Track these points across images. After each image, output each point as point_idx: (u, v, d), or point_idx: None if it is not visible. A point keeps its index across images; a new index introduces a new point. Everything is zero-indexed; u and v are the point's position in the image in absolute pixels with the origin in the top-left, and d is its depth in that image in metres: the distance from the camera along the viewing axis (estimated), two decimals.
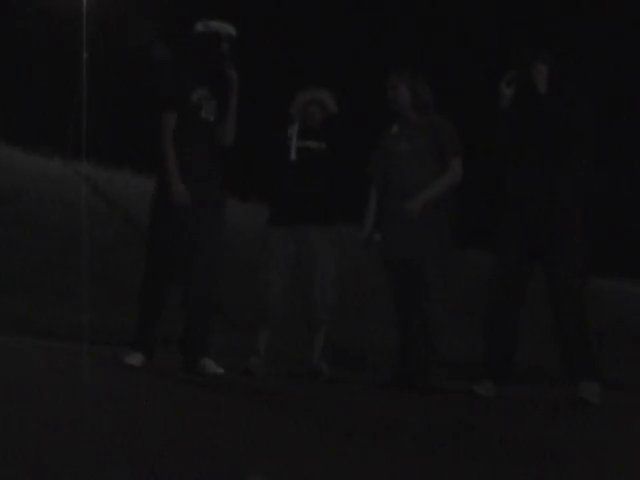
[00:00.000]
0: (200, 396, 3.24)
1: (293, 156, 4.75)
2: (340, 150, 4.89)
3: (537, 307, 4.80)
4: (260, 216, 11.89)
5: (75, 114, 14.46)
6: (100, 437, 1.87)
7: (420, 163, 4.57)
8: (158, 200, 4.11)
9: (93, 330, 5.69)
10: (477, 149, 5.03)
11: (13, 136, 11.96)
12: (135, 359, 4.10)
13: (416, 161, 4.57)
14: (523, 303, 4.37)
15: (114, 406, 2.55)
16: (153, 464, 1.62)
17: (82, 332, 5.54)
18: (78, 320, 5.80)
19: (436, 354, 4.56)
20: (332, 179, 4.84)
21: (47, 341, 5.22)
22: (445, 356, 4.95)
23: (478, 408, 3.87)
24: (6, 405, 2.27)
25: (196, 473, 1.59)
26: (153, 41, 4.73)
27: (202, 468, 1.64)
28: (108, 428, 2.04)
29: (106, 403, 2.58)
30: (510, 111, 4.45)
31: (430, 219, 4.50)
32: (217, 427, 2.33)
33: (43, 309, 6.21)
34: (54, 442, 1.73)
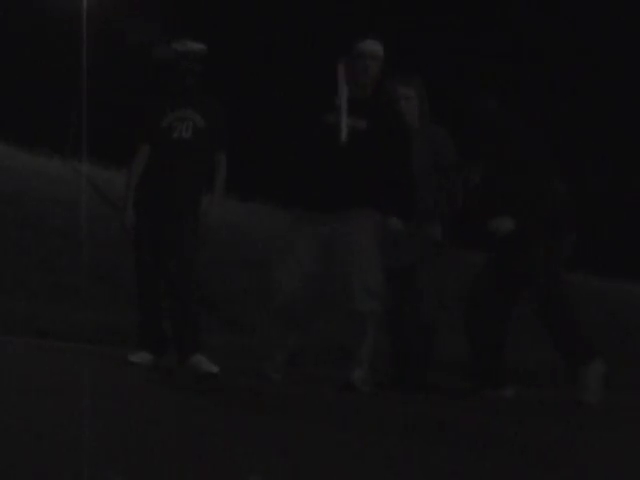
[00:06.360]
0: (199, 396, 3.23)
1: (344, 136, 3.99)
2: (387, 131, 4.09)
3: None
4: (259, 215, 11.92)
5: (75, 114, 14.47)
6: (100, 437, 1.87)
7: (419, 174, 4.48)
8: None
9: (93, 330, 5.68)
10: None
11: (13, 136, 11.97)
12: (139, 357, 4.17)
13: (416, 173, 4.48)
14: (511, 305, 4.41)
15: (114, 406, 2.55)
16: (153, 464, 1.62)
17: (83, 332, 5.53)
18: (79, 320, 5.80)
19: (433, 354, 4.57)
20: (376, 162, 4.08)
21: (47, 341, 5.21)
22: (443, 356, 4.96)
23: (477, 408, 3.87)
24: (6, 405, 2.27)
25: (196, 473, 1.59)
26: (155, 40, 4.70)
27: (202, 468, 1.64)
28: (108, 428, 2.04)
29: (106, 403, 2.57)
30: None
31: (417, 227, 4.47)
32: (216, 427, 2.33)
33: (43, 309, 6.19)
34: (54, 442, 1.73)
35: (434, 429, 2.86)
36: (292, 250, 4.08)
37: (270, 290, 4.17)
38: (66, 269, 7.57)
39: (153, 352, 4.25)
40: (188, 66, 4.27)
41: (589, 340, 4.24)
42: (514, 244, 4.25)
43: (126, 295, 6.35)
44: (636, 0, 19.40)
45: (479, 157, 4.45)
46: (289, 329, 4.15)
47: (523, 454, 2.35)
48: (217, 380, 3.89)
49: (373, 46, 4.09)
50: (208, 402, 3.08)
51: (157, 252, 4.25)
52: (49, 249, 8.06)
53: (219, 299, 7.58)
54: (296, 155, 4.35)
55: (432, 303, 4.55)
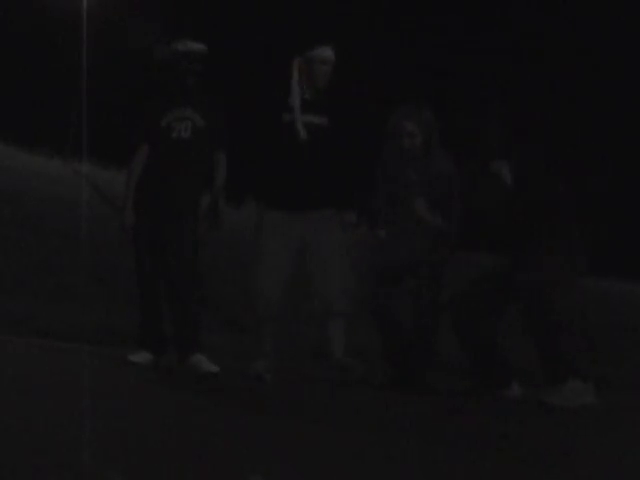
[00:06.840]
0: (199, 396, 3.24)
1: (303, 134, 4.15)
2: (349, 127, 4.31)
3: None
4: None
5: (75, 114, 14.47)
6: (100, 437, 1.87)
7: (425, 197, 4.43)
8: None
9: (93, 330, 5.68)
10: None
11: (13, 136, 11.96)
12: (140, 357, 4.18)
13: (423, 196, 4.43)
14: (507, 305, 4.41)
15: (114, 406, 2.55)
16: (153, 464, 1.62)
17: (83, 332, 5.54)
18: (78, 320, 5.80)
19: (433, 354, 4.58)
20: (341, 159, 4.26)
21: (47, 341, 5.21)
22: (443, 356, 4.96)
23: (477, 408, 3.88)
24: (6, 405, 2.27)
25: (196, 473, 1.59)
26: (155, 41, 4.70)
27: (202, 468, 1.64)
28: (108, 428, 2.04)
29: (106, 403, 2.57)
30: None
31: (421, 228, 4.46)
32: (216, 427, 2.33)
33: (43, 309, 6.19)
34: (54, 442, 1.73)
35: (434, 429, 2.86)
36: (268, 256, 4.19)
37: (252, 299, 4.29)
38: (66, 269, 7.57)
39: (153, 352, 4.25)
40: (188, 66, 4.28)
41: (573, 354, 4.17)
42: (516, 246, 4.26)
43: (126, 295, 6.35)
44: (636, 0, 19.41)
45: (478, 157, 4.46)
46: (274, 334, 4.27)
47: (523, 454, 2.35)
48: (217, 380, 3.89)
49: (328, 52, 4.25)
50: (208, 402, 3.08)
51: (156, 252, 4.25)
52: (49, 249, 8.06)
53: (219, 299, 7.58)
54: (257, 155, 4.41)
55: (432, 303, 4.55)
